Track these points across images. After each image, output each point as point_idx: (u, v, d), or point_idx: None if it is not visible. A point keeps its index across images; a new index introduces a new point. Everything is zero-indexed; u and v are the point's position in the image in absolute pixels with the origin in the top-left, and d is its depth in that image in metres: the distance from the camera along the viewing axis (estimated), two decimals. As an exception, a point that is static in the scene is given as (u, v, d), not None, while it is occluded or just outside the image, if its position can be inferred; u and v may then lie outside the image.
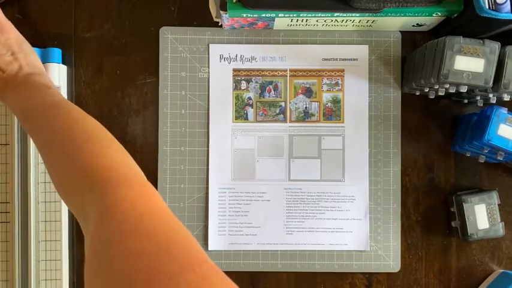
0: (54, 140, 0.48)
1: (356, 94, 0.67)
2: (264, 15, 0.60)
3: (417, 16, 0.60)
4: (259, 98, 0.67)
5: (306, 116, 0.67)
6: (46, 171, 0.53)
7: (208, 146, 0.67)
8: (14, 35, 0.58)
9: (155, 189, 0.41)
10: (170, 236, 0.35)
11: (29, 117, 0.52)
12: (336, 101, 0.67)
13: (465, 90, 0.56)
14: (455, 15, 0.60)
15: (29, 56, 0.58)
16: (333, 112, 0.67)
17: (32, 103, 0.52)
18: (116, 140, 0.48)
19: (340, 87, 0.67)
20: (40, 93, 0.53)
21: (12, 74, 0.56)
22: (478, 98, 0.61)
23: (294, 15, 0.60)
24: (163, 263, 0.32)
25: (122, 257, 0.33)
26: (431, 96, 0.61)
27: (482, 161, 0.63)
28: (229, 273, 0.69)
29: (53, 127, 0.49)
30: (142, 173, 0.44)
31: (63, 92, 0.64)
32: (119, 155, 0.46)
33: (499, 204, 0.64)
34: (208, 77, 0.67)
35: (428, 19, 0.61)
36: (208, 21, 0.66)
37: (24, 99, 0.53)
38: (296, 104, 0.67)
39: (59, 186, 0.46)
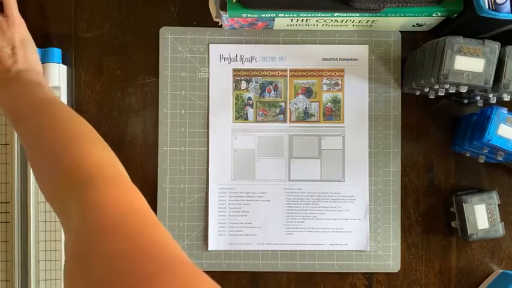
0: (41, 138, 0.47)
1: (356, 94, 0.67)
2: (264, 15, 0.60)
3: (417, 16, 0.60)
4: (259, 98, 0.67)
5: (306, 116, 0.67)
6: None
7: (208, 146, 0.67)
8: (21, 31, 0.59)
9: (139, 190, 0.41)
10: (151, 236, 0.35)
11: (16, 114, 0.51)
12: (336, 101, 0.67)
13: (465, 90, 0.56)
14: (455, 15, 0.60)
15: (28, 54, 0.58)
16: (333, 112, 0.67)
17: (22, 100, 0.52)
18: (102, 140, 0.47)
19: (340, 87, 0.67)
20: (30, 90, 0.53)
21: (6, 68, 0.56)
22: (478, 98, 0.61)
23: (294, 15, 0.60)
24: (142, 263, 0.31)
25: (102, 257, 0.33)
26: (431, 96, 0.61)
27: (482, 161, 0.63)
28: (229, 273, 0.70)
29: (41, 125, 0.48)
30: (126, 174, 0.44)
31: (63, 92, 0.64)
32: (105, 154, 0.45)
33: (499, 205, 0.64)
34: (208, 77, 0.67)
35: (428, 19, 0.61)
36: (208, 21, 0.66)
37: (13, 95, 0.53)
38: (296, 104, 0.67)
39: (43, 185, 0.46)
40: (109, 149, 0.47)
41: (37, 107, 0.51)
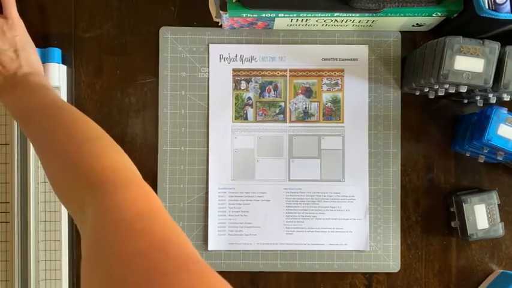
0: (52, 140, 0.48)
1: (356, 94, 0.67)
2: (264, 15, 0.60)
3: (417, 16, 0.60)
4: (259, 98, 0.67)
5: (305, 116, 0.67)
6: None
7: (208, 146, 0.67)
8: (21, 33, 0.59)
9: (152, 190, 0.42)
10: (166, 235, 0.36)
11: (26, 117, 0.52)
12: (336, 101, 0.67)
13: (465, 90, 0.56)
14: (455, 15, 0.60)
15: (30, 56, 0.58)
16: (333, 112, 0.67)
17: (31, 103, 0.52)
18: (114, 142, 0.48)
19: (340, 87, 0.67)
20: (38, 94, 0.54)
21: (11, 72, 0.56)
22: (478, 98, 0.61)
23: (294, 15, 0.60)
24: (157, 262, 0.32)
25: (118, 257, 0.34)
26: (431, 96, 0.61)
27: (482, 161, 0.63)
28: (229, 273, 0.70)
29: (52, 127, 0.49)
30: (139, 174, 0.45)
31: (63, 92, 0.64)
32: (118, 156, 0.46)
33: (498, 204, 0.64)
34: (208, 77, 0.67)
35: (428, 19, 0.61)
36: (208, 21, 0.66)
37: (22, 99, 0.53)
38: (296, 104, 0.67)
39: (56, 186, 0.46)
40: (121, 150, 0.47)
41: (48, 109, 0.51)
